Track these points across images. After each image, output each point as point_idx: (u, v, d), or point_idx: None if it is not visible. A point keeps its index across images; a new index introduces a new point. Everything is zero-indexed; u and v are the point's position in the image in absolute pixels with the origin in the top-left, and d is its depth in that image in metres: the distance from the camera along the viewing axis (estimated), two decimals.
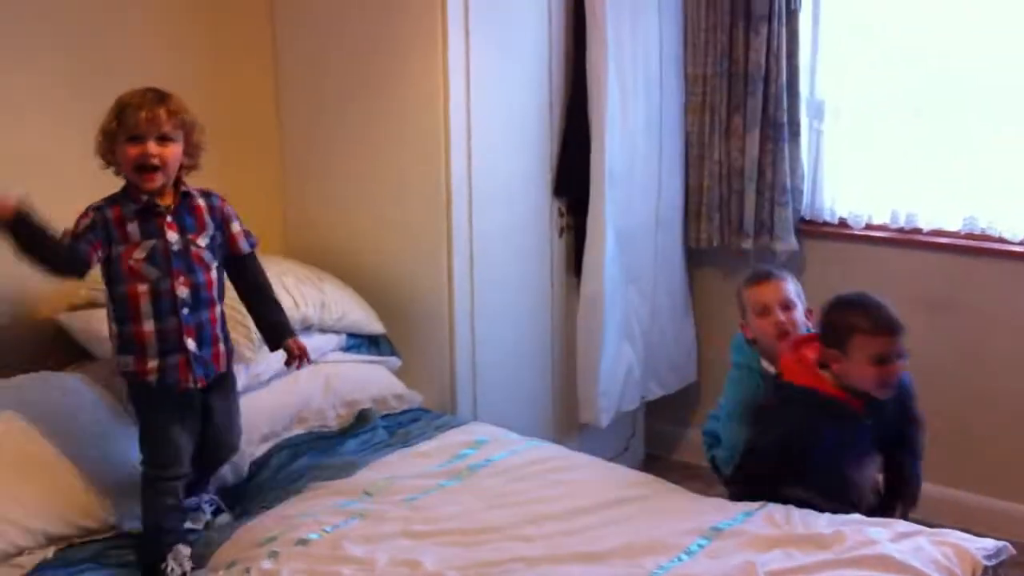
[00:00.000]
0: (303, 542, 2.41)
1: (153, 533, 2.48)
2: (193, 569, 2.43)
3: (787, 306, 2.79)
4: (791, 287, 2.83)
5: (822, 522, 2.38)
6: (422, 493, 2.63)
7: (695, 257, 4.02)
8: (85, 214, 2.43)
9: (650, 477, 2.79)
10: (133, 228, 2.42)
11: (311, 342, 3.08)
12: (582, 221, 3.64)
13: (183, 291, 2.46)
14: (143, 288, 2.43)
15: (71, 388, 2.73)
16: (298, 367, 2.71)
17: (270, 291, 2.70)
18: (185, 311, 2.47)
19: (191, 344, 2.49)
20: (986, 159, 3.44)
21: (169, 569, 2.40)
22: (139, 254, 2.43)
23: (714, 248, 3.92)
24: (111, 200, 2.45)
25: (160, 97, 2.43)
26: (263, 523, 2.53)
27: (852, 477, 2.60)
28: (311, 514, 2.54)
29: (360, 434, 3.02)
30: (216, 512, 2.67)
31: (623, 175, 3.63)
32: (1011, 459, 3.49)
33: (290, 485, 2.72)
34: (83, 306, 2.93)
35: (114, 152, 2.43)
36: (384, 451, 2.91)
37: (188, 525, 2.60)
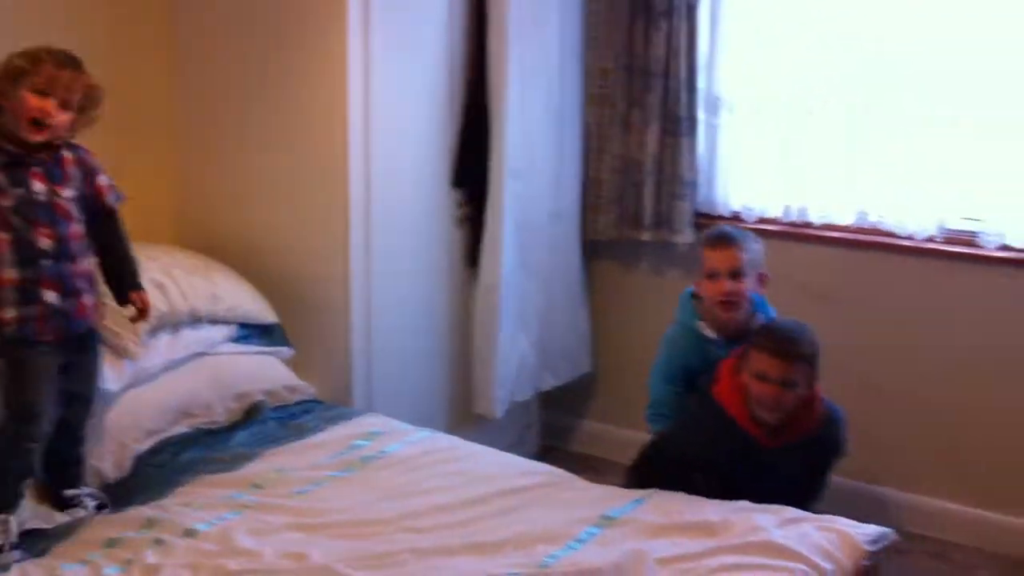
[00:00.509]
0: (190, 532, 2.37)
1: None
2: (20, 547, 2.38)
3: (736, 274, 2.81)
4: (745, 255, 2.83)
5: (709, 509, 2.42)
6: (313, 485, 2.60)
7: (592, 249, 4.04)
8: None
9: (543, 466, 2.80)
10: (1, 177, 2.40)
11: (200, 334, 3.05)
12: (480, 212, 3.63)
13: (45, 242, 2.43)
14: (5, 236, 2.40)
15: None
16: (142, 320, 2.69)
17: (127, 249, 2.68)
18: (47, 262, 2.43)
19: (51, 296, 2.44)
20: (878, 154, 3.51)
21: None
22: (5, 202, 2.39)
23: (611, 241, 3.94)
24: None
25: (78, 64, 2.45)
26: (142, 512, 2.48)
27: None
28: (197, 506, 2.48)
29: (250, 426, 2.96)
30: (99, 507, 2.59)
31: (522, 167, 3.62)
32: (894, 447, 3.59)
33: (176, 478, 2.66)
34: None
35: (3, 96, 2.39)
36: (275, 443, 2.85)
37: (67, 518, 2.53)
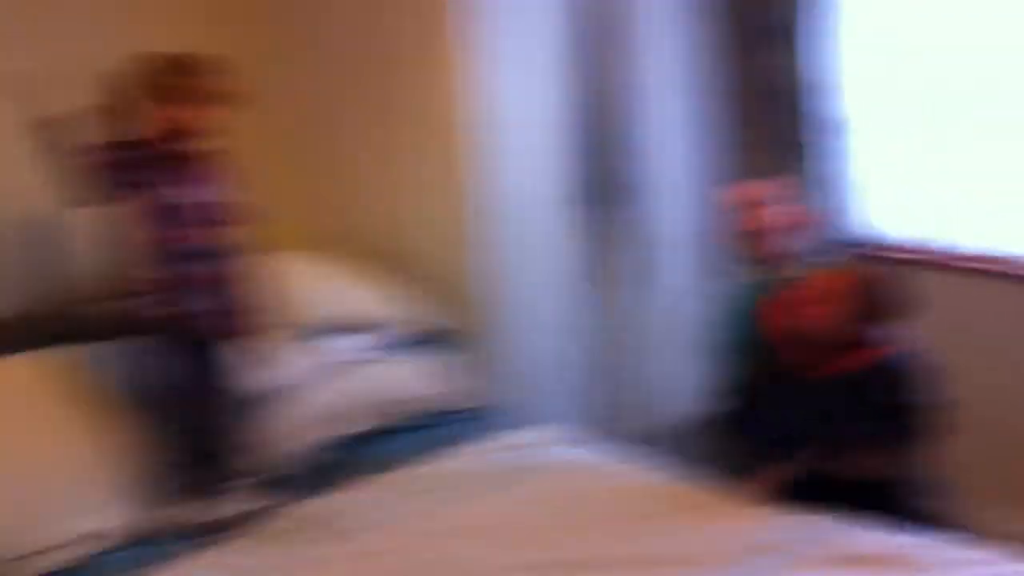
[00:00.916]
0: (353, 530, 2.46)
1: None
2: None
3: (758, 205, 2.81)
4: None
5: (892, 540, 2.35)
6: (474, 493, 2.64)
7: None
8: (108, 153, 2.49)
9: (702, 485, 2.76)
10: (150, 177, 2.51)
11: (358, 340, 3.13)
12: (609, 228, 3.66)
13: (195, 242, 2.54)
14: (155, 235, 2.51)
15: None
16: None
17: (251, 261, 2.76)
18: (196, 261, 2.54)
19: (199, 295, 2.54)
20: (1005, 177, 3.35)
21: None
22: (156, 202, 2.51)
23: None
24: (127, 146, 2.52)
25: (206, 67, 2.56)
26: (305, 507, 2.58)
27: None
28: (362, 504, 2.58)
29: (410, 432, 3.02)
30: (260, 493, 2.67)
31: (645, 185, 3.65)
32: None
33: (339, 477, 2.75)
34: None
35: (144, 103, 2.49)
36: (435, 450, 2.91)
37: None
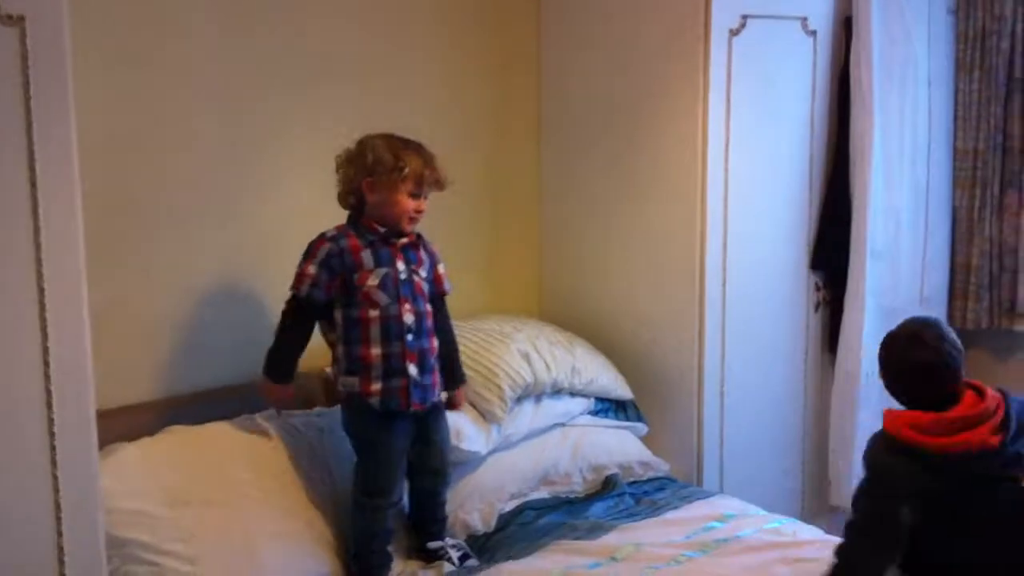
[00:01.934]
0: None
1: (363, 558, 2.60)
2: None
3: None
4: None
5: None
6: (668, 563, 2.60)
7: (962, 338, 3.80)
8: (320, 242, 2.60)
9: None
10: (367, 256, 2.59)
11: (561, 405, 3.17)
12: (840, 296, 3.54)
13: (409, 318, 2.60)
14: (373, 314, 2.57)
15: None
16: (452, 410, 2.82)
17: (455, 336, 2.84)
18: (410, 337, 2.59)
19: (413, 369, 2.60)
20: None
21: None
22: (372, 280, 2.58)
23: (982, 330, 3.71)
24: (345, 229, 2.63)
25: (435, 159, 2.64)
26: (511, 569, 2.59)
27: None
28: (558, 572, 2.56)
29: (606, 499, 3.03)
30: (464, 558, 2.72)
31: (885, 250, 3.52)
32: None
33: (536, 540, 2.75)
34: None
35: (379, 191, 2.59)
36: (630, 517, 2.90)
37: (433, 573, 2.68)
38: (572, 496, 3.04)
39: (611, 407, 3.34)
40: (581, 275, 3.61)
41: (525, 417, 3.07)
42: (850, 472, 3.49)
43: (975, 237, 3.70)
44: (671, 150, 3.28)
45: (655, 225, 3.37)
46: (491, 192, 3.53)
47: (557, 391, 3.16)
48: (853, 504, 2.42)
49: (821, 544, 2.70)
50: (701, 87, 3.17)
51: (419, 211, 2.62)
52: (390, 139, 2.63)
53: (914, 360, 2.42)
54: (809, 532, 2.84)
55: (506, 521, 2.88)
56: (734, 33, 3.19)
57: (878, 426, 3.48)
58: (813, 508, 3.59)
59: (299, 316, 2.64)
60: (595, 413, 3.28)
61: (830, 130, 3.52)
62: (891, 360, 2.47)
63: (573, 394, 3.22)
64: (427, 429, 2.71)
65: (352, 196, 2.65)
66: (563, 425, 3.16)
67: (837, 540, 2.75)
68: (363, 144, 2.63)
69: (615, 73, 3.41)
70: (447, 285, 2.79)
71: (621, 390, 3.33)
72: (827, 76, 3.48)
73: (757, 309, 3.40)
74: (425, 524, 2.78)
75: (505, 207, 3.59)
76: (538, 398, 3.13)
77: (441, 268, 2.77)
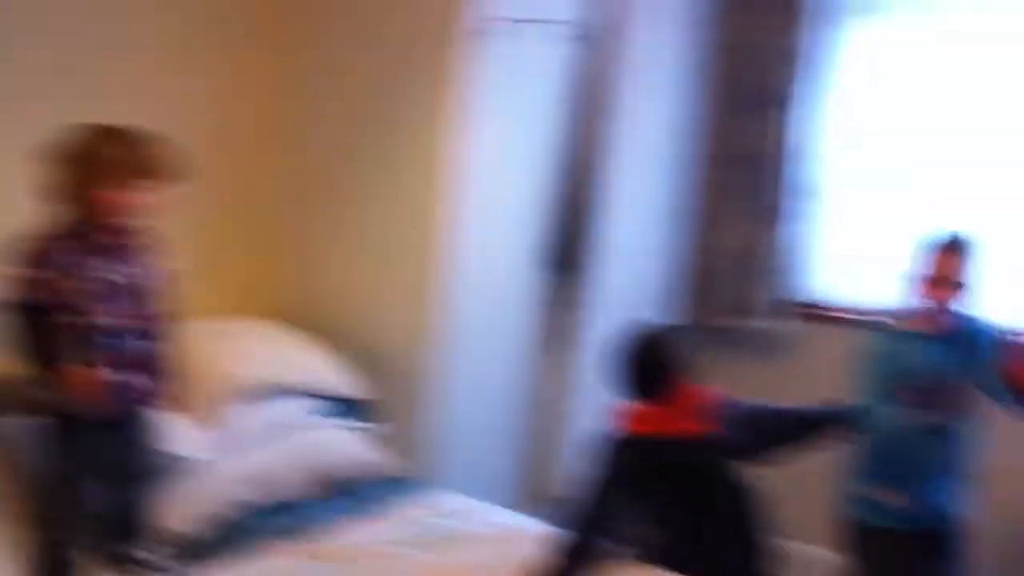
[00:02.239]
0: None
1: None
2: None
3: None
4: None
5: None
6: (385, 560, 2.60)
7: (698, 336, 3.96)
8: (31, 242, 2.41)
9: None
10: (76, 258, 2.42)
11: (287, 406, 3.10)
12: (571, 295, 3.64)
13: (114, 321, 2.45)
14: (81, 319, 2.42)
15: None
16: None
17: (175, 336, 2.66)
18: (116, 340, 2.45)
19: (115, 374, 2.46)
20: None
21: None
22: (80, 284, 2.42)
23: (718, 328, 3.88)
24: (55, 230, 2.44)
25: (162, 144, 2.49)
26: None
27: None
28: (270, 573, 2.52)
29: (329, 500, 2.98)
30: (162, 570, 2.61)
31: (625, 251, 3.65)
32: None
33: (252, 545, 2.69)
34: None
35: (101, 186, 2.41)
36: (350, 517, 2.87)
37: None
38: (294, 499, 2.96)
39: (341, 407, 3.30)
40: (315, 274, 3.56)
41: (249, 419, 2.99)
42: (573, 464, 3.58)
43: (713, 240, 3.88)
44: (411, 149, 3.29)
45: (392, 224, 3.37)
46: (220, 191, 3.39)
47: (284, 392, 3.09)
48: (582, 496, 2.56)
49: (542, 535, 2.73)
50: (445, 88, 3.19)
51: (147, 204, 2.45)
52: (110, 131, 2.46)
53: (643, 357, 2.63)
54: (530, 524, 2.89)
55: (224, 528, 2.77)
56: (482, 35, 3.20)
57: (603, 420, 3.67)
58: (538, 500, 3.67)
59: (30, 318, 2.42)
60: (324, 414, 3.23)
61: (576, 133, 3.60)
62: (622, 358, 2.66)
63: (301, 395, 3.15)
64: (130, 434, 2.58)
65: (68, 194, 2.45)
66: (290, 427, 3.09)
67: (558, 531, 2.84)
68: (79, 138, 2.44)
69: (359, 70, 3.39)
70: (172, 284, 2.64)
71: (351, 389, 3.30)
72: (575, 80, 3.55)
73: (490, 307, 3.44)
74: (122, 529, 2.62)
75: (236, 206, 3.48)
76: (263, 399, 3.05)
77: (165, 266, 2.63)
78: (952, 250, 2.66)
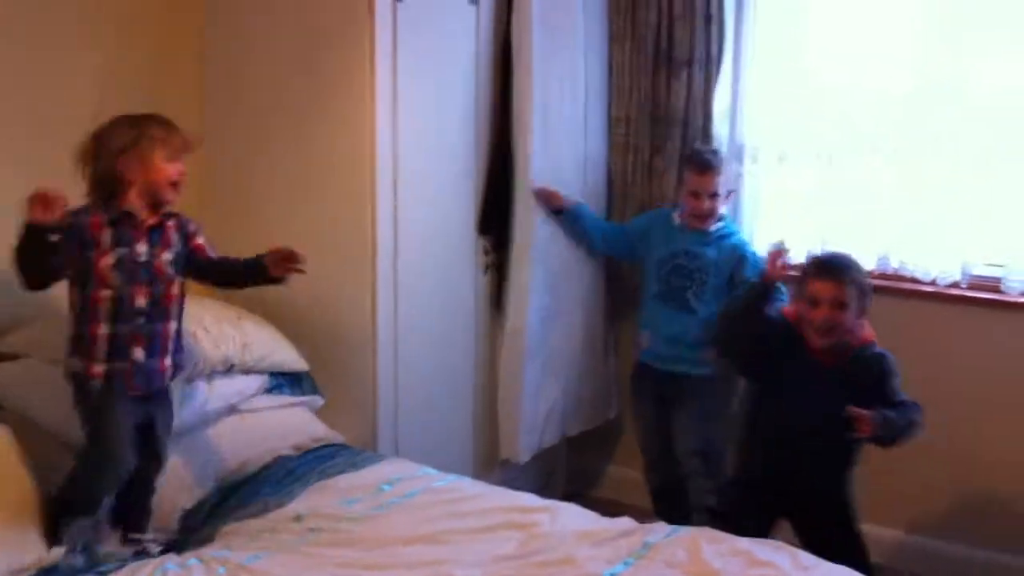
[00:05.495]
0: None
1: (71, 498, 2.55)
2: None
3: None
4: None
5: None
6: (332, 528, 2.64)
7: (620, 294, 4.07)
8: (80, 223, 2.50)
9: (565, 505, 2.83)
10: (107, 235, 2.53)
11: (233, 384, 3.11)
12: (507, 258, 3.69)
13: (142, 301, 2.57)
14: (105, 293, 2.52)
15: None
16: (295, 271, 2.78)
17: (235, 259, 2.81)
18: (141, 320, 2.57)
19: (139, 354, 2.56)
20: (901, 199, 3.55)
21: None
22: (108, 260, 2.52)
23: (637, 284, 3.97)
24: (87, 207, 2.54)
25: (174, 124, 2.64)
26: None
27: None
28: (235, 547, 2.57)
29: (277, 474, 3.00)
30: (164, 552, 2.65)
31: (546, 213, 3.68)
32: (917, 494, 3.57)
33: (212, 528, 2.75)
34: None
35: (135, 165, 2.52)
36: (300, 488, 2.89)
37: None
38: (243, 478, 2.97)
39: (286, 382, 3.32)
40: (250, 248, 3.53)
41: (197, 400, 2.98)
42: (519, 427, 3.66)
43: (628, 199, 3.95)
44: (340, 119, 3.29)
45: (326, 195, 3.37)
46: None
47: (228, 369, 3.09)
48: None
49: (487, 497, 2.83)
50: (368, 55, 3.19)
51: (181, 174, 2.60)
52: (121, 118, 2.59)
53: None
54: (477, 487, 2.94)
55: (191, 513, 2.82)
56: (398, 1, 3.21)
57: (545, 379, 3.81)
58: (486, 463, 3.74)
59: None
60: (270, 389, 3.24)
61: (495, 97, 3.64)
62: None
63: (246, 372, 3.15)
64: (150, 415, 2.66)
65: (107, 184, 2.55)
66: (236, 408, 3.10)
67: (505, 491, 2.91)
68: (99, 134, 2.57)
69: (281, 42, 3.37)
70: (211, 252, 2.76)
71: (295, 363, 3.32)
72: (490, 44, 3.59)
73: (428, 273, 3.48)
74: (131, 511, 2.70)
75: None
76: (209, 377, 3.04)
77: (200, 239, 2.75)
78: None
